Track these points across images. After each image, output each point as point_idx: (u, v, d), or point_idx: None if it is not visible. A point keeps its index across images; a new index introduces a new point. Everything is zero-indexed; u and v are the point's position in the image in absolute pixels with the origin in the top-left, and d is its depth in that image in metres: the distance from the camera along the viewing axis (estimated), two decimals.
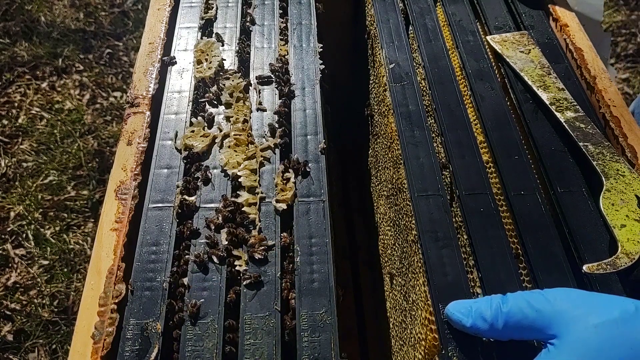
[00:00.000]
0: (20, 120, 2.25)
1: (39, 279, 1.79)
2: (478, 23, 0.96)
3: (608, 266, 0.60)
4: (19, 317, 1.71)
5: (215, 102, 0.83)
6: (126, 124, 0.81)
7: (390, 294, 0.89)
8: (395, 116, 0.80)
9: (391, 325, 0.87)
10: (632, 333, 0.48)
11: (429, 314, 0.60)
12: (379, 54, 0.92)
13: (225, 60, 0.89)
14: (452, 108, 0.81)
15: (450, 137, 0.77)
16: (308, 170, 0.74)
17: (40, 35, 2.58)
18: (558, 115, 0.77)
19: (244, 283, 0.63)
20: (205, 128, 0.80)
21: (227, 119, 0.81)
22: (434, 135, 0.79)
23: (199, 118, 0.81)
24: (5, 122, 2.24)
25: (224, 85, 0.85)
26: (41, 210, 1.96)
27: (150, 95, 0.84)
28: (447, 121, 0.79)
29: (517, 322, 0.51)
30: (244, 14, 0.97)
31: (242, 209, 0.70)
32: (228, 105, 0.83)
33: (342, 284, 0.72)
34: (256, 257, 0.65)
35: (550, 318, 0.50)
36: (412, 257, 0.70)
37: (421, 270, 0.64)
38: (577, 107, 0.78)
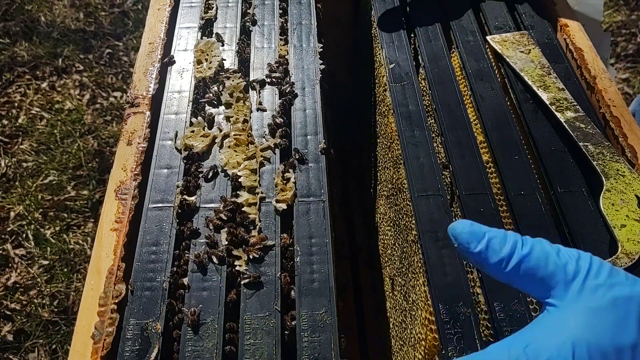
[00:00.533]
0: (20, 120, 2.25)
1: (39, 279, 1.79)
2: (478, 23, 0.96)
3: None
4: (19, 317, 1.71)
5: (215, 102, 0.83)
6: (126, 124, 0.81)
7: (391, 294, 0.89)
8: (395, 116, 0.80)
9: (391, 325, 0.87)
10: None
11: (429, 314, 0.60)
12: (379, 54, 0.92)
13: (225, 60, 0.89)
14: (452, 108, 0.81)
15: (450, 137, 0.77)
16: (304, 154, 0.75)
17: (40, 35, 2.58)
18: (558, 115, 0.77)
19: (244, 283, 0.63)
20: (205, 128, 0.80)
21: (227, 119, 0.81)
22: (434, 135, 0.79)
23: (199, 118, 0.81)
24: (5, 122, 2.24)
25: (224, 85, 0.85)
26: (41, 210, 1.96)
27: (150, 95, 0.84)
28: (447, 121, 0.79)
29: (530, 269, 0.45)
30: (244, 13, 0.97)
31: (242, 209, 0.70)
32: (228, 105, 0.83)
33: (342, 285, 0.72)
34: (250, 256, 0.65)
35: (567, 276, 0.45)
36: (412, 257, 0.70)
37: (421, 270, 0.64)
38: (577, 107, 0.78)
